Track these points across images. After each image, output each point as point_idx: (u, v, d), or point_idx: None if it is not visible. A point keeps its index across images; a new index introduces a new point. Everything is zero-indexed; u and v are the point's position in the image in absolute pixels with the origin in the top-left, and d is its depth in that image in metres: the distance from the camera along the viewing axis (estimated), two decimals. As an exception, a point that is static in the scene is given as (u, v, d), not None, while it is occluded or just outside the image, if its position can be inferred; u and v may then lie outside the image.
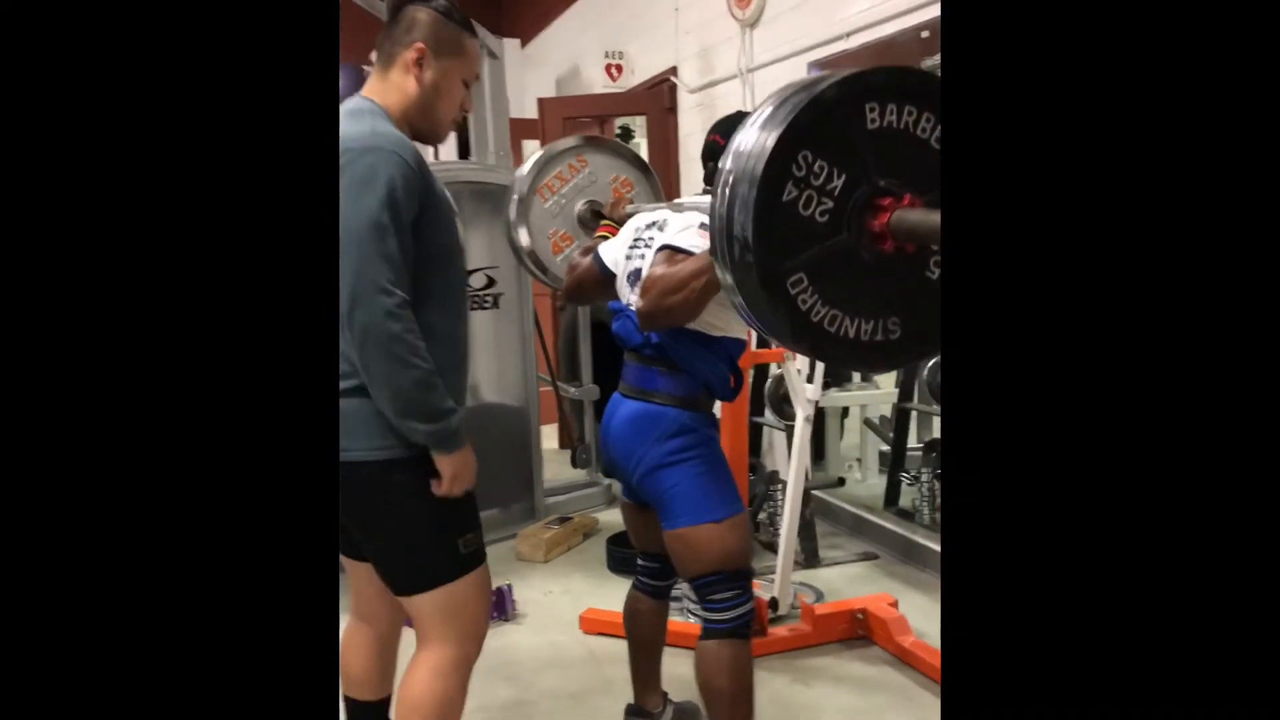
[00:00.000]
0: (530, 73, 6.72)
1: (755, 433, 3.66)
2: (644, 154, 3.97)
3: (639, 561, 2.08)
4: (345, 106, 1.57)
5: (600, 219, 2.33)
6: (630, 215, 2.05)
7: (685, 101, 4.81)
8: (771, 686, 2.41)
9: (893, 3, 3.28)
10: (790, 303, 1.11)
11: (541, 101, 5.22)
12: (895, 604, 2.65)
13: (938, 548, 3.13)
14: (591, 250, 2.06)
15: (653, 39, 5.10)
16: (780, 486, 3.19)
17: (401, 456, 1.50)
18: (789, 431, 2.84)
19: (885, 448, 3.87)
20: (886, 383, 4.07)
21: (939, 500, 3.45)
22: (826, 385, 3.65)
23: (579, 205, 2.57)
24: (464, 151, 4.05)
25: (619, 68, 5.47)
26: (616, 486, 3.96)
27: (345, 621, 1.79)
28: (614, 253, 1.95)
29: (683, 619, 2.76)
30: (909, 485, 3.61)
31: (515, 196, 2.52)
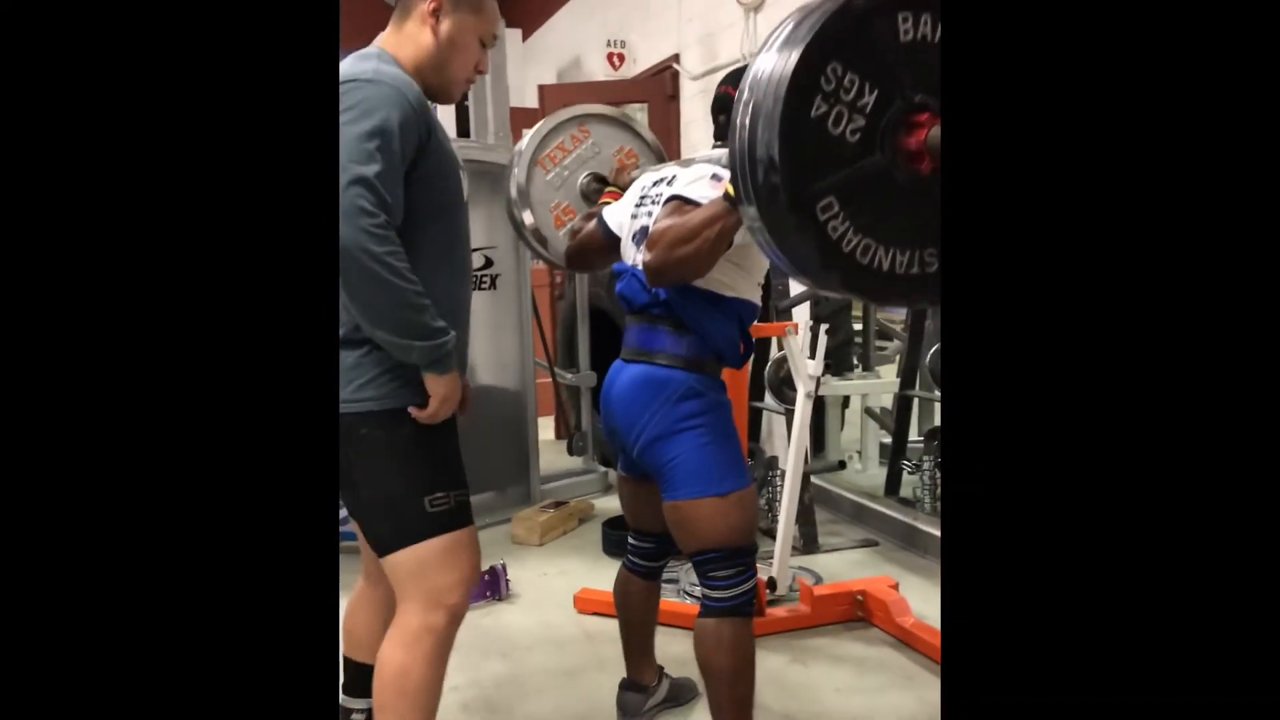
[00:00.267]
0: (532, 65, 6.69)
1: (755, 418, 3.62)
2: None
3: (631, 540, 2.00)
4: (353, 54, 1.53)
5: (605, 187, 2.27)
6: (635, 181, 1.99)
7: (687, 89, 4.78)
8: (768, 665, 2.35)
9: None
10: (820, 229, 1.06)
11: (543, 89, 5.19)
12: (896, 586, 2.61)
13: (938, 533, 3.08)
14: (595, 215, 2.00)
15: (655, 27, 5.07)
16: (779, 472, 3.15)
17: (370, 410, 1.47)
18: (789, 416, 2.79)
19: (886, 439, 3.83)
20: (888, 372, 4.03)
21: (940, 489, 3.41)
22: (826, 369, 3.62)
23: (582, 177, 2.51)
24: (463, 130, 4.00)
25: (620, 57, 5.44)
26: (613, 475, 3.92)
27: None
28: (618, 215, 1.89)
29: (679, 600, 2.71)
30: (910, 474, 3.57)
31: (515, 171, 2.47)
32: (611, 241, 1.88)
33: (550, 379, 4.72)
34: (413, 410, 1.48)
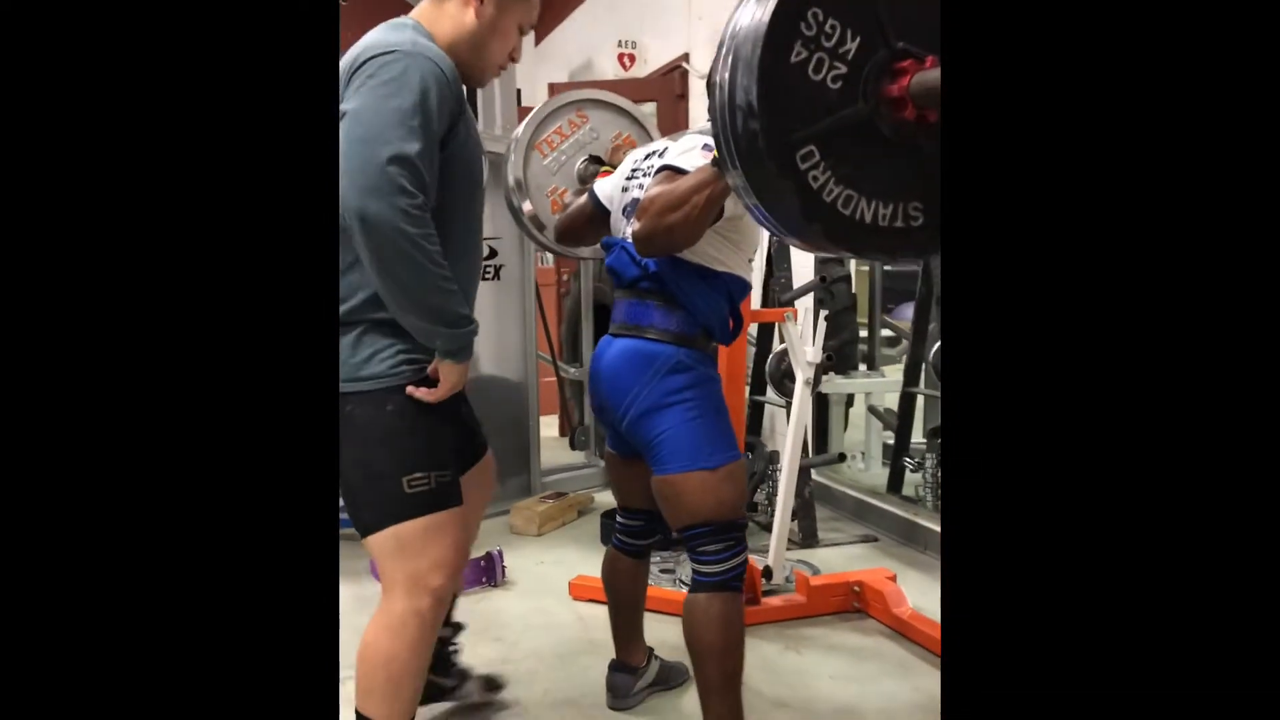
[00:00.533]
0: (543, 68, 6.72)
1: (756, 411, 3.61)
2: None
3: (619, 519, 1.98)
4: (386, 23, 1.52)
5: (601, 168, 2.27)
6: None
7: (697, 88, 4.78)
8: (762, 653, 2.33)
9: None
10: (800, 178, 1.05)
11: (552, 86, 5.20)
12: (894, 578, 2.58)
13: (939, 529, 3.06)
14: (585, 191, 1.99)
15: (665, 26, 5.08)
16: (780, 467, 3.13)
17: (350, 391, 1.46)
18: (790, 410, 2.77)
19: (890, 439, 3.80)
20: (893, 371, 4.01)
21: (941, 486, 3.38)
22: (828, 369, 3.60)
23: (579, 162, 2.50)
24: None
25: (631, 57, 5.45)
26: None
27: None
28: (609, 188, 1.88)
29: (675, 589, 2.69)
30: (912, 472, 3.54)
31: (512, 157, 2.46)
32: (601, 214, 1.88)
33: (554, 377, 4.74)
34: (420, 391, 1.47)
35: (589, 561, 3.03)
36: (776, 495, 3.08)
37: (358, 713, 1.53)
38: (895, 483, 3.54)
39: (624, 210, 1.79)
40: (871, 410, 3.99)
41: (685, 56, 4.85)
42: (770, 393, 3.38)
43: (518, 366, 3.74)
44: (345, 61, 1.44)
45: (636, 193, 1.74)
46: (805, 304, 3.23)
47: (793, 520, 3.23)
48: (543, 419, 4.95)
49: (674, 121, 4.92)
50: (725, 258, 1.70)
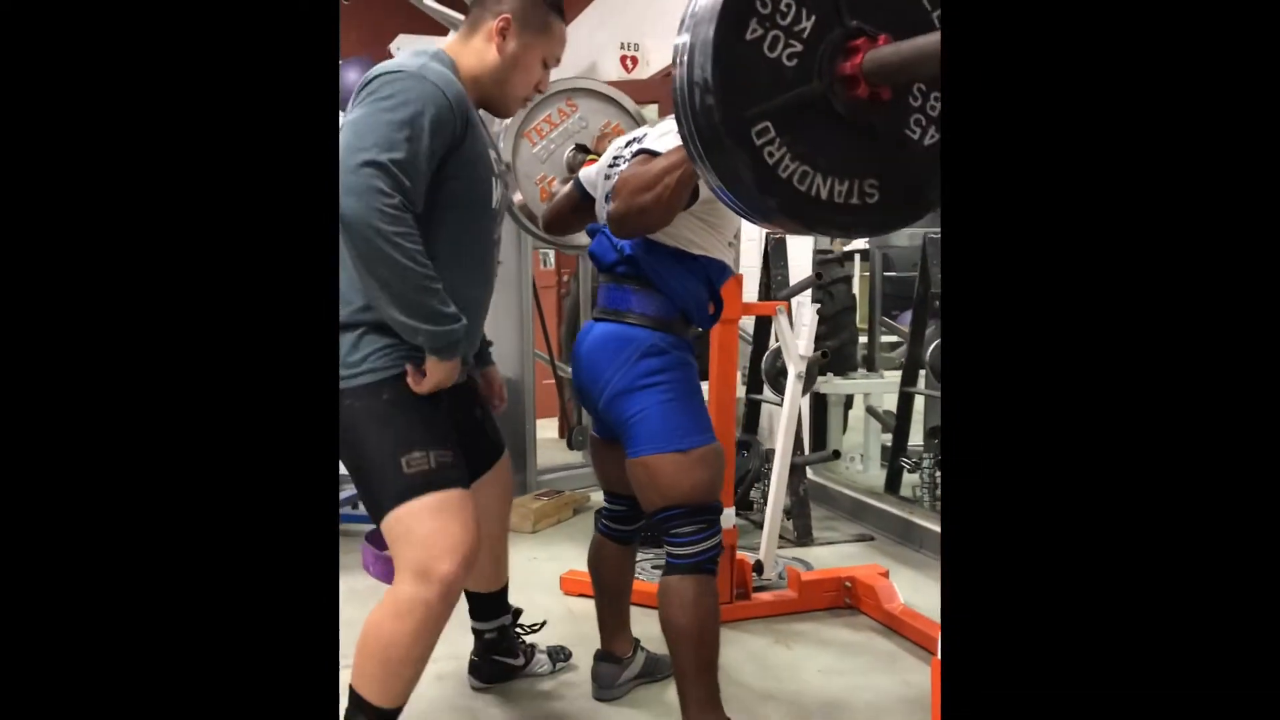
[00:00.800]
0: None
1: (753, 410, 3.60)
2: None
3: (604, 504, 2.00)
4: (412, 49, 1.60)
5: (589, 155, 2.28)
6: None
7: (697, 89, 4.78)
8: (751, 647, 2.33)
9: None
10: (755, 153, 1.06)
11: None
12: (886, 574, 2.57)
13: (935, 528, 3.04)
14: (572, 180, 2.00)
15: (667, 29, 5.07)
16: (775, 464, 3.13)
17: (350, 386, 1.50)
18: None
19: (889, 440, 3.79)
20: (894, 375, 3.99)
21: (940, 490, 3.37)
22: (824, 371, 3.60)
23: (568, 151, 2.52)
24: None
25: (634, 59, 5.47)
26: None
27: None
28: (594, 175, 1.89)
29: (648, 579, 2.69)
30: (910, 472, 3.53)
31: (500, 145, 2.47)
32: (586, 202, 1.89)
33: (553, 380, 4.75)
34: (411, 376, 1.51)
35: (582, 559, 3.00)
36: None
37: (351, 689, 1.54)
38: (893, 483, 3.53)
39: (606, 197, 1.81)
40: (870, 411, 3.98)
41: (687, 59, 4.86)
42: (767, 391, 3.38)
43: (514, 364, 3.75)
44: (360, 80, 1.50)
45: (618, 178, 1.75)
46: (803, 300, 3.23)
47: (788, 519, 3.23)
48: (544, 421, 5.00)
49: (675, 123, 4.93)
50: (702, 241, 1.71)
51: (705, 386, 2.27)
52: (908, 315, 4.24)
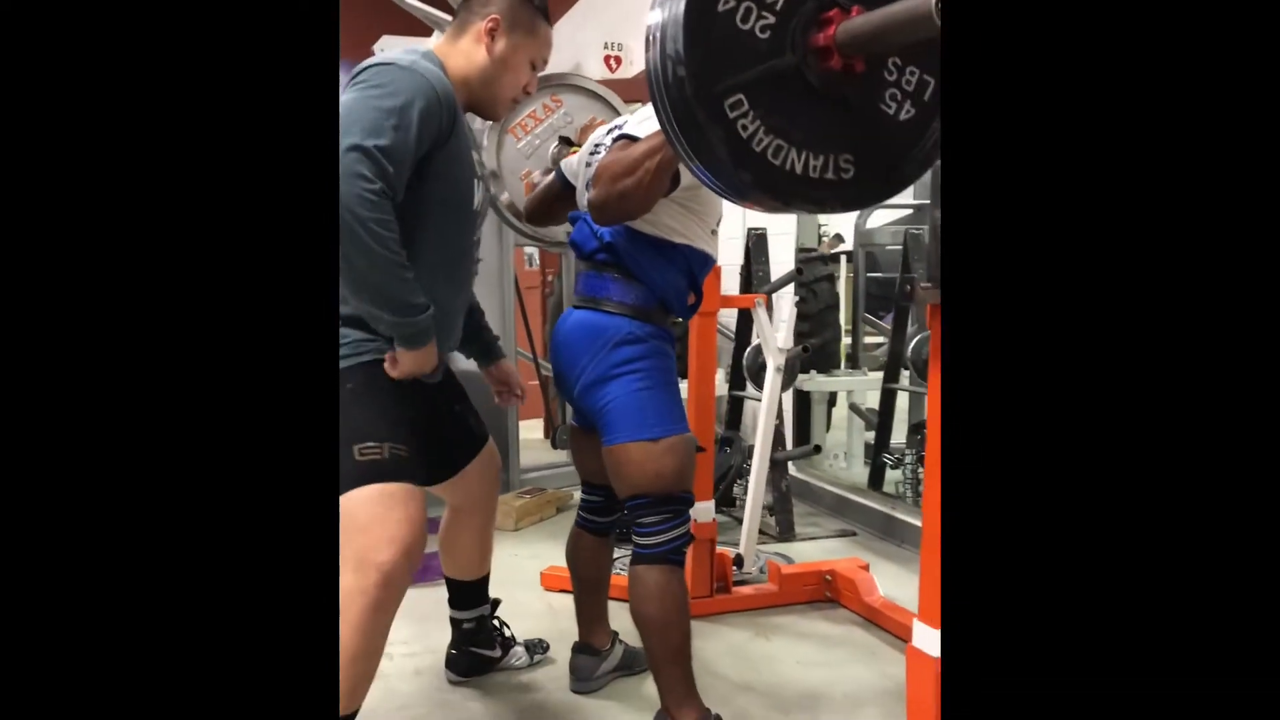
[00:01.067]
0: (533, 72, 6.72)
1: (735, 406, 3.60)
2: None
3: (581, 495, 1.99)
4: (404, 47, 1.61)
5: (570, 146, 2.27)
6: None
7: (681, 89, 4.78)
8: (731, 640, 2.32)
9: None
10: (729, 126, 1.05)
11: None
12: (866, 567, 2.57)
13: (917, 523, 3.04)
14: (553, 170, 2.00)
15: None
16: (758, 460, 3.12)
17: None
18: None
19: (872, 439, 3.79)
20: (877, 373, 3.99)
21: (922, 486, 3.36)
22: (807, 368, 3.59)
23: (553, 146, 2.51)
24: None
25: (618, 59, 5.46)
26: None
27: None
28: (575, 164, 1.89)
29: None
30: (892, 469, 3.53)
31: (484, 142, 2.46)
32: (568, 191, 1.88)
33: (537, 380, 4.73)
34: (387, 359, 1.51)
35: (564, 556, 3.01)
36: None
37: None
38: (876, 479, 3.53)
39: (587, 185, 1.79)
40: (853, 408, 3.99)
41: (670, 58, 4.86)
42: (750, 388, 3.37)
43: (497, 362, 3.73)
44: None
45: (598, 165, 1.74)
46: (783, 293, 3.23)
47: (770, 515, 3.22)
48: (530, 422, 4.99)
49: (659, 123, 4.92)
50: (685, 229, 1.70)
51: (685, 385, 2.27)
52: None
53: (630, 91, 5.36)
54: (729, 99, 1.04)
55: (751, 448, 3.34)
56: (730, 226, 3.60)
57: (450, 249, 1.62)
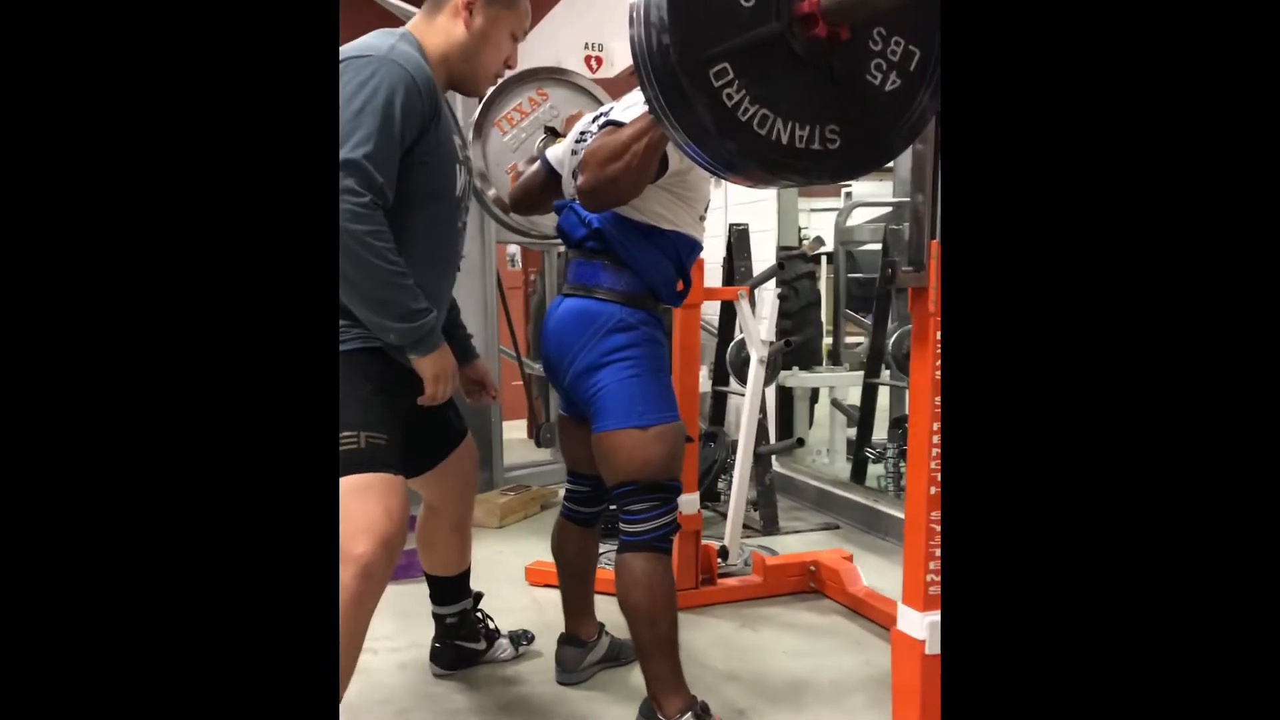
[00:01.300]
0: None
1: (719, 402, 3.60)
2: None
3: (567, 485, 1.98)
4: (378, 30, 1.56)
5: (556, 137, 2.27)
6: None
7: (662, 88, 4.79)
8: (717, 631, 2.32)
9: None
10: (714, 94, 1.05)
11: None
12: (850, 558, 2.57)
13: (899, 515, 3.05)
14: (538, 159, 1.98)
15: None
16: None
17: None
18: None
19: (854, 435, 3.79)
20: (857, 372, 4.01)
21: (904, 479, 3.37)
22: (789, 365, 3.60)
23: (539, 140, 2.50)
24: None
25: (598, 60, 5.47)
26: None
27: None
28: (560, 152, 1.88)
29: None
30: (874, 463, 3.54)
31: (469, 136, 2.45)
32: (554, 180, 1.88)
33: (521, 381, 4.72)
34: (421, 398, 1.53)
35: (549, 553, 2.99)
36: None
37: None
38: (858, 473, 3.54)
39: (573, 173, 1.79)
40: (835, 404, 4.00)
41: (651, 58, 4.87)
42: (734, 383, 3.37)
43: (480, 360, 3.72)
44: None
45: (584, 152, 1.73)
46: (766, 287, 3.23)
47: (754, 509, 3.22)
48: (514, 422, 4.97)
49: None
50: (673, 215, 1.70)
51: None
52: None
53: (612, 91, 5.36)
54: (714, 67, 1.03)
55: (735, 443, 3.35)
56: (712, 224, 3.60)
57: (436, 236, 1.60)
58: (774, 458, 3.45)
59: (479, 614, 2.14)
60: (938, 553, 1.55)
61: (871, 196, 4.44)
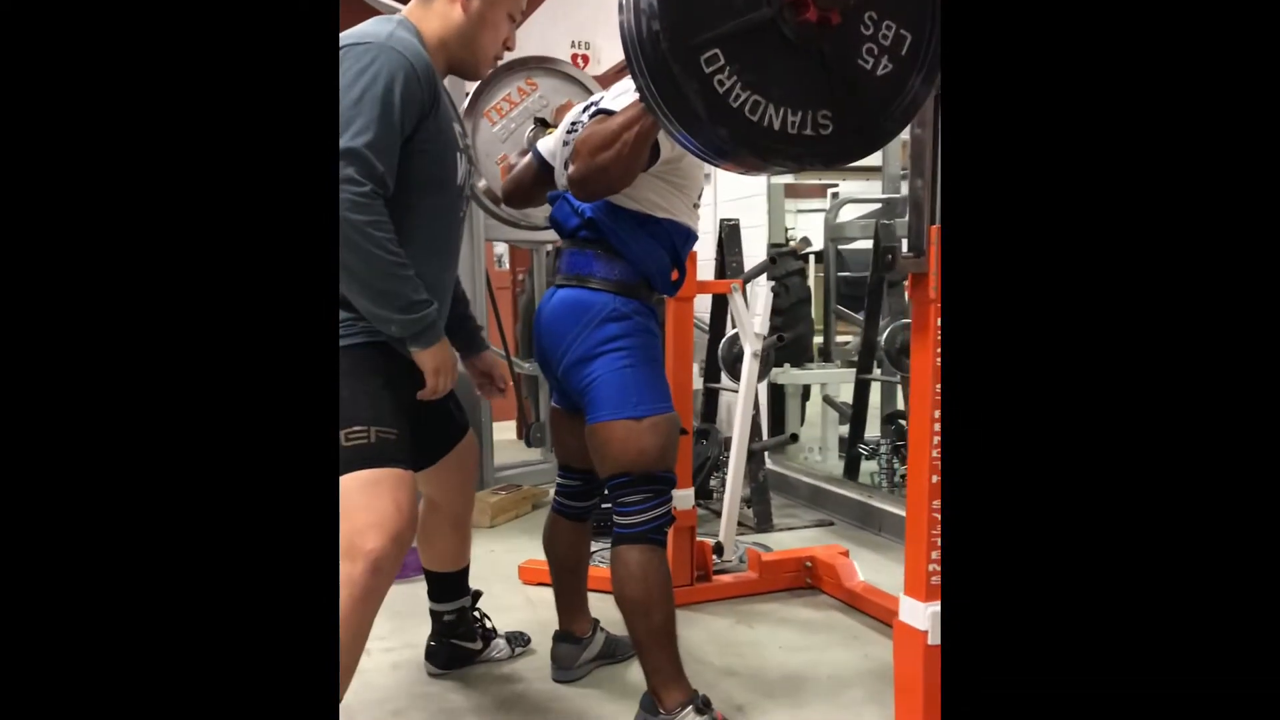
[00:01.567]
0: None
1: (711, 398, 3.59)
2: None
3: (558, 479, 1.96)
4: (375, 17, 1.54)
5: (548, 129, 2.25)
6: None
7: (650, 86, 4.79)
8: (713, 627, 2.31)
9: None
10: (705, 80, 1.04)
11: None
12: (846, 553, 2.56)
13: (894, 510, 3.05)
14: (528, 150, 1.97)
15: (617, 28, 5.09)
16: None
17: None
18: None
19: (846, 432, 3.79)
20: (849, 369, 4.00)
21: (898, 475, 3.38)
22: (781, 362, 3.59)
23: (529, 130, 2.48)
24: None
25: (585, 58, 5.46)
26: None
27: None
28: (552, 144, 1.87)
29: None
30: (867, 459, 3.53)
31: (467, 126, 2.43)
32: (546, 171, 1.86)
33: (511, 381, 4.70)
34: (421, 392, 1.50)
35: (541, 551, 2.98)
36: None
37: None
38: (851, 470, 3.54)
39: (565, 164, 1.78)
40: (827, 400, 3.99)
41: (639, 56, 4.86)
42: (725, 379, 3.36)
43: (470, 359, 3.69)
44: None
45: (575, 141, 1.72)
46: (758, 282, 3.23)
47: (748, 506, 3.21)
48: (504, 424, 4.94)
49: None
50: (667, 203, 1.69)
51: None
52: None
53: (601, 87, 5.35)
54: (705, 53, 1.02)
55: (728, 440, 3.34)
56: (702, 220, 3.60)
57: (437, 226, 1.58)
58: (767, 455, 3.45)
59: (477, 612, 2.13)
60: (939, 542, 1.54)
61: (859, 194, 4.44)
